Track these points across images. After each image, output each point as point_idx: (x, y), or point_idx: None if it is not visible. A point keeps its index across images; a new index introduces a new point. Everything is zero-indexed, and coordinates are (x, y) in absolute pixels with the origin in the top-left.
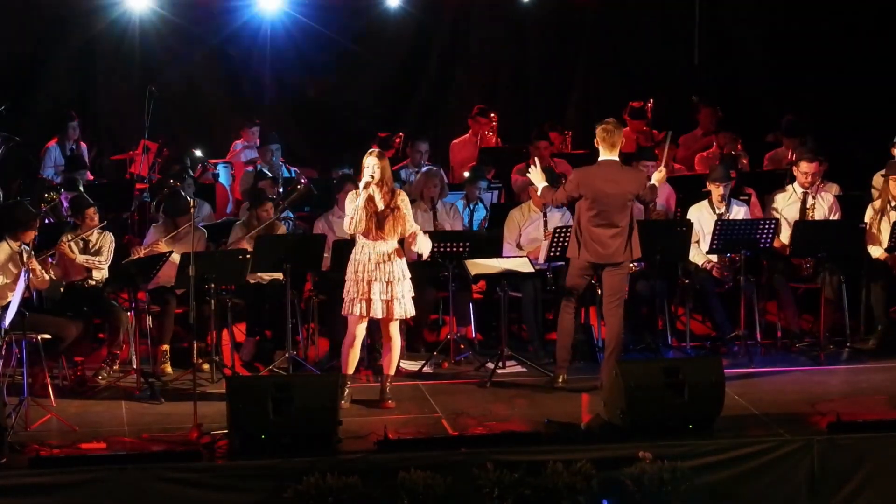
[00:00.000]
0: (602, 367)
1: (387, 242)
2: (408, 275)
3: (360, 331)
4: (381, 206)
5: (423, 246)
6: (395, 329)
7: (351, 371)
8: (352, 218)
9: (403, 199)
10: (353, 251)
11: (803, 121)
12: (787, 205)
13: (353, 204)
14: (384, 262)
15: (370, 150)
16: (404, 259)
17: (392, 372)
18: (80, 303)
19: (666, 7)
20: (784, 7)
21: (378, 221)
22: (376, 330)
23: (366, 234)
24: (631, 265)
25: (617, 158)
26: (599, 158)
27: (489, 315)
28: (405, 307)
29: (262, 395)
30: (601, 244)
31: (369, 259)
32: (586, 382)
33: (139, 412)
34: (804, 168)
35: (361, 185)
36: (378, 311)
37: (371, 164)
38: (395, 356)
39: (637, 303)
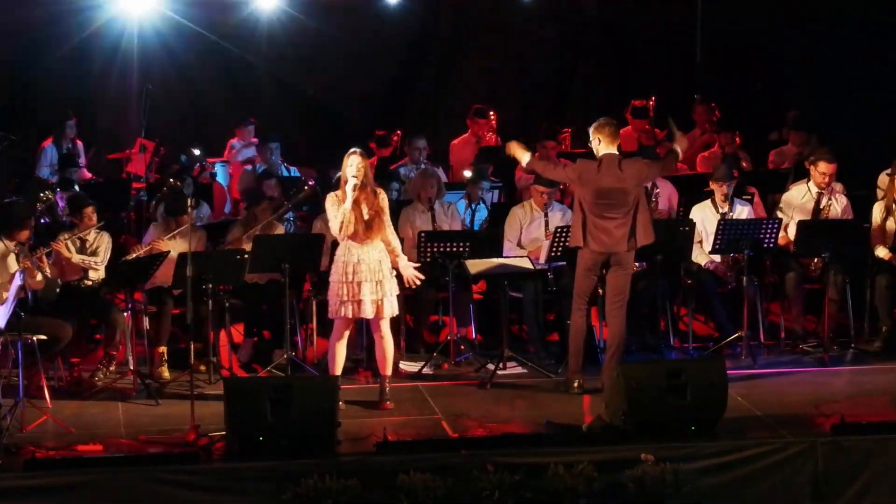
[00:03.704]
0: (603, 368)
1: (373, 242)
2: (393, 273)
3: (348, 332)
4: (365, 207)
5: (407, 271)
6: (386, 328)
7: (339, 372)
8: (342, 222)
9: (384, 200)
10: (338, 253)
11: (807, 117)
12: (800, 203)
13: (338, 207)
14: (373, 262)
15: (352, 150)
16: (389, 258)
17: (389, 372)
18: (77, 303)
19: (667, 5)
20: (786, 4)
21: (365, 223)
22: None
23: (353, 237)
24: (634, 265)
25: (617, 152)
26: (601, 153)
27: (489, 316)
28: (393, 305)
29: (260, 396)
30: (606, 233)
31: (358, 260)
32: (587, 384)
33: (136, 414)
34: (823, 169)
35: (349, 187)
36: (369, 312)
37: (355, 164)
38: (389, 355)
39: (639, 303)
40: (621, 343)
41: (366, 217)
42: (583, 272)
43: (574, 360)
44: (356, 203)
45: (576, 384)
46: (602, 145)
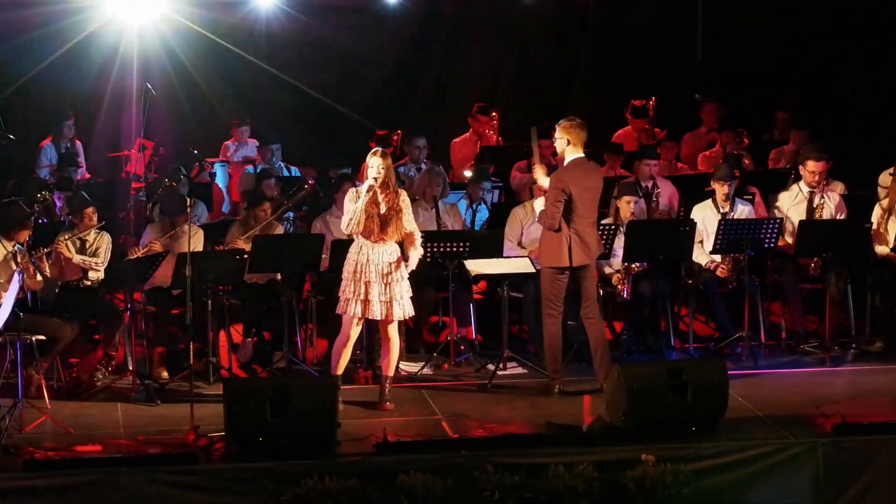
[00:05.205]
0: (596, 369)
1: (387, 244)
2: (406, 275)
3: (355, 331)
4: (383, 207)
5: (414, 260)
6: (393, 330)
7: (340, 372)
8: (350, 218)
9: (404, 200)
10: (351, 250)
11: (796, 118)
12: (793, 204)
13: (353, 204)
14: (383, 263)
15: (374, 150)
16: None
17: (391, 373)
18: (76, 304)
19: (668, 4)
20: (787, 4)
21: (380, 223)
22: (375, 331)
23: (366, 235)
24: (633, 266)
25: (583, 155)
26: (569, 158)
27: (489, 316)
28: (404, 308)
29: (259, 396)
30: (588, 244)
31: (368, 260)
32: (588, 384)
33: (135, 414)
34: (811, 167)
35: (365, 185)
36: (377, 313)
37: (376, 165)
38: (394, 357)
39: (640, 304)
40: (605, 344)
41: (381, 213)
42: (551, 280)
43: (551, 364)
44: (373, 202)
45: (556, 388)
46: (570, 147)
